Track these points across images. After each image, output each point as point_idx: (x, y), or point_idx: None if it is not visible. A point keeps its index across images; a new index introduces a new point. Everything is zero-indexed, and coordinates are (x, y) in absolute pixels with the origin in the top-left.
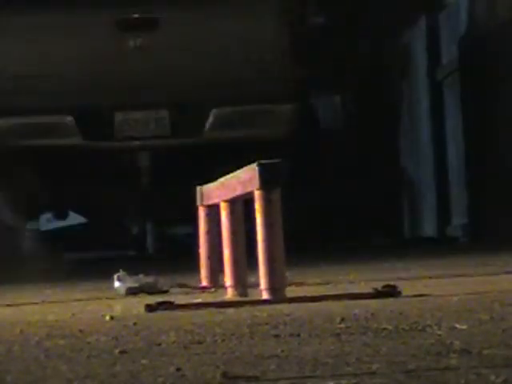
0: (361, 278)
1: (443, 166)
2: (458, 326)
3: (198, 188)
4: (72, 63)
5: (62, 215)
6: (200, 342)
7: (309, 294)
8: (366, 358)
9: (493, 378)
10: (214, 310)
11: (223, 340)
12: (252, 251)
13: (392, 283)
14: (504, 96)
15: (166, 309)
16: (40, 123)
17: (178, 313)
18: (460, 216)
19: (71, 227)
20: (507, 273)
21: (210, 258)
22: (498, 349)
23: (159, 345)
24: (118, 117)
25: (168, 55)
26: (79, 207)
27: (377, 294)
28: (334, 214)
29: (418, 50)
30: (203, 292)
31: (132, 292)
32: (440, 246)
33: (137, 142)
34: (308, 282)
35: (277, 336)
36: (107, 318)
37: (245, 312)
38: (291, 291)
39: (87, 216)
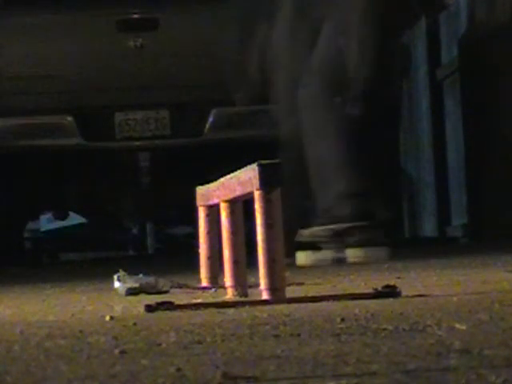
0: (361, 278)
1: (443, 165)
2: (458, 326)
3: (198, 188)
4: (72, 63)
5: (61, 215)
6: (200, 342)
7: (309, 294)
8: (366, 358)
9: (493, 378)
10: (213, 310)
11: (223, 340)
12: (252, 251)
13: (392, 283)
14: (504, 96)
15: (166, 309)
16: (40, 123)
17: (178, 313)
18: (460, 216)
19: (71, 227)
20: (507, 273)
21: (210, 258)
22: (498, 349)
23: (159, 345)
24: (118, 117)
25: (168, 55)
26: (79, 207)
27: (377, 294)
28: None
29: (418, 49)
30: (203, 292)
31: (132, 292)
32: (440, 246)
33: (137, 142)
34: (308, 282)
35: (277, 336)
36: (107, 318)
37: (245, 312)
38: (291, 291)
39: (87, 216)
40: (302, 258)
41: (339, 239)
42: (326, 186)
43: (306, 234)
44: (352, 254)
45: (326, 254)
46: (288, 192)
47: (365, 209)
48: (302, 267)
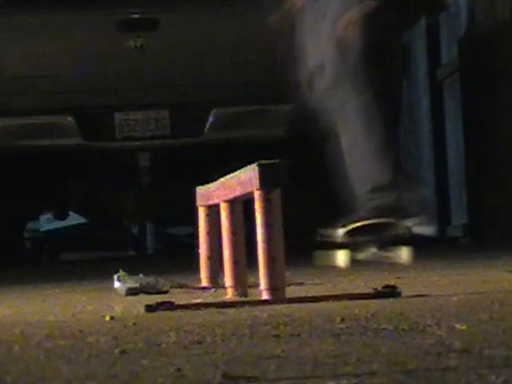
0: (361, 278)
1: (443, 166)
2: (457, 326)
3: (198, 188)
4: (72, 63)
5: (61, 215)
6: (200, 342)
7: (309, 294)
8: (366, 358)
9: (493, 378)
10: (213, 310)
11: (223, 340)
12: (252, 251)
13: (392, 283)
14: (504, 96)
15: (166, 309)
16: (40, 123)
17: (178, 313)
18: (460, 216)
19: (71, 227)
20: (507, 273)
21: (210, 258)
22: (498, 349)
23: (159, 345)
24: (118, 117)
25: (168, 55)
26: (79, 207)
27: (377, 294)
28: (333, 213)
29: (418, 49)
30: (203, 292)
31: (132, 292)
32: (440, 246)
33: (137, 142)
34: (308, 282)
35: (277, 336)
36: (107, 318)
37: (245, 312)
38: (291, 291)
39: (87, 216)
40: (321, 257)
41: (357, 238)
42: (352, 182)
43: (324, 232)
44: (371, 254)
45: (345, 254)
46: (308, 190)
47: (387, 206)
48: (318, 267)
